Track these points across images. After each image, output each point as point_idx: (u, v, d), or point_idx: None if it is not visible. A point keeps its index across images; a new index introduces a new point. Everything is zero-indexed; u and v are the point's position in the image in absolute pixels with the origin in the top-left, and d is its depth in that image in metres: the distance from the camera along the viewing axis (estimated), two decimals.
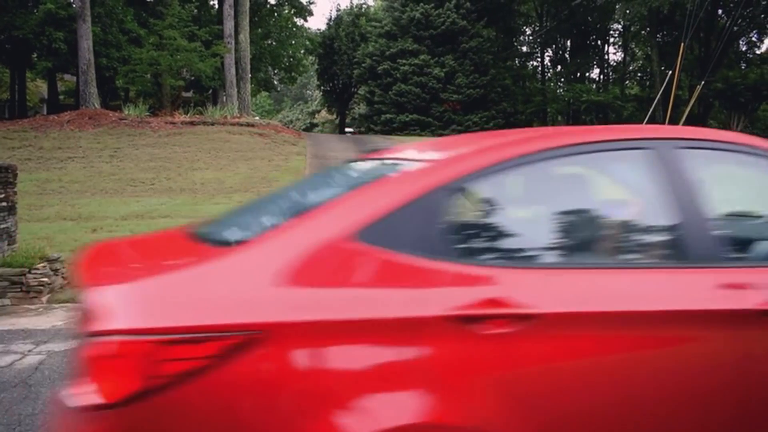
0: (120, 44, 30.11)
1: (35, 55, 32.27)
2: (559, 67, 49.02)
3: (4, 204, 7.89)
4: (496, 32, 40.90)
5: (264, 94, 62.69)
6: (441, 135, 34.39)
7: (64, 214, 13.09)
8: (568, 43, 47.32)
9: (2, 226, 7.85)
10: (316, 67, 53.64)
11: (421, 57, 38.54)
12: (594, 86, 44.75)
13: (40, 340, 6.00)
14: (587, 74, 47.87)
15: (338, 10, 53.87)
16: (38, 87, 50.83)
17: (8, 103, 43.33)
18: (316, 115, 67.84)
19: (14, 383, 4.91)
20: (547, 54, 49.71)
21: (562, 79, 48.09)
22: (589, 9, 42.61)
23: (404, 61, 38.80)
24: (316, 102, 69.20)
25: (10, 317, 6.99)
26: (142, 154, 18.99)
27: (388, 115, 38.58)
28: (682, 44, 24.40)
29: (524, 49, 50.66)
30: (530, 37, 50.62)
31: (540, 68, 50.35)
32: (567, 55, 47.85)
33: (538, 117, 46.27)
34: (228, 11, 30.47)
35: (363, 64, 42.17)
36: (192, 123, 23.40)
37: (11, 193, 8.08)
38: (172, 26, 28.85)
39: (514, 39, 47.99)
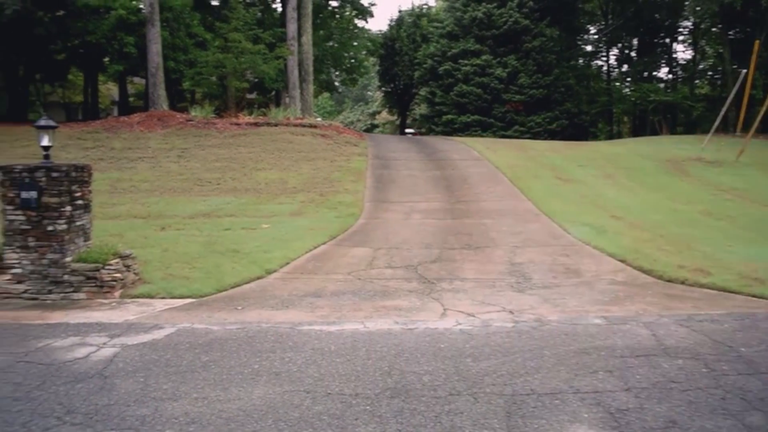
0: (187, 48, 30.83)
1: (107, 59, 33.35)
2: (626, 66, 47.76)
3: (80, 202, 8.14)
4: (560, 31, 40.08)
5: (325, 95, 63.31)
6: (503, 136, 33.96)
7: (134, 212, 13.45)
8: (635, 41, 46.05)
9: (78, 223, 8.09)
10: (377, 68, 53.83)
11: (483, 57, 38.16)
12: (662, 86, 43.39)
13: (114, 333, 6.15)
14: (655, 73, 46.47)
15: (400, 11, 53.79)
16: (109, 90, 52.55)
17: (82, 106, 44.93)
18: (377, 116, 68.03)
19: (91, 374, 5.03)
20: (612, 53, 48.53)
21: (629, 79, 46.82)
22: (657, 6, 41.36)
23: (466, 61, 38.48)
24: (376, 103, 69.40)
25: (85, 311, 7.20)
26: (208, 155, 19.37)
27: (449, 116, 38.31)
28: (757, 41, 23.40)
29: (589, 48, 49.54)
30: (595, 36, 49.50)
31: (605, 68, 49.20)
32: (633, 54, 46.59)
33: (604, 117, 45.21)
34: (291, 14, 30.85)
35: (424, 65, 42.04)
36: (256, 124, 23.76)
37: (86, 192, 8.33)
38: (237, 29, 29.37)
39: (578, 38, 46.98)
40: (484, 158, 20.87)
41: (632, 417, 4.23)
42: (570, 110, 38.66)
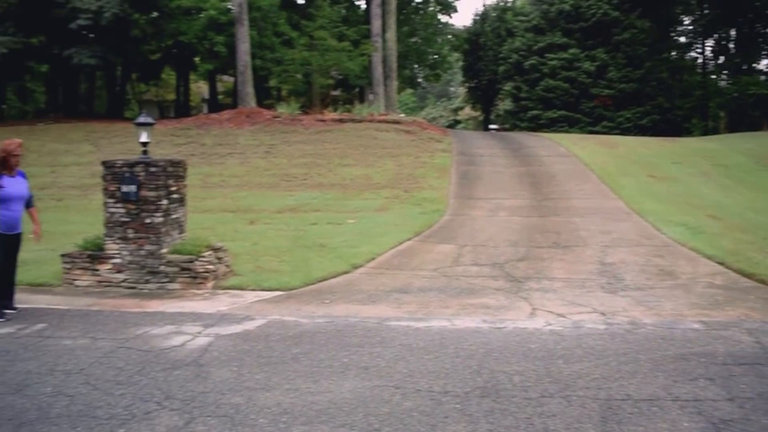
0: (274, 46, 31.52)
1: (198, 58, 34.58)
2: (722, 58, 45.51)
3: (176, 196, 8.43)
4: (651, 22, 38.59)
5: (408, 91, 63.36)
6: (591, 132, 33.03)
7: (224, 206, 13.86)
8: (733, 32, 43.78)
9: (174, 216, 8.39)
10: (460, 63, 53.41)
11: (571, 51, 37.21)
12: (763, 78, 41.08)
13: (208, 323, 6.33)
14: (755, 65, 44.09)
15: (484, 5, 53.21)
16: (200, 88, 54.41)
17: (174, 103, 46.74)
18: (460, 112, 67.54)
19: (187, 362, 5.20)
20: (708, 44, 46.36)
21: (726, 72, 44.64)
22: None
23: (552, 55, 37.63)
24: (459, 99, 68.95)
25: (180, 300, 7.46)
26: (295, 151, 19.74)
27: (534, 112, 37.58)
28: None
29: (682, 39, 47.52)
30: (689, 27, 47.41)
31: (700, 60, 47.04)
32: (731, 45, 44.35)
33: (698, 112, 43.23)
34: (376, 10, 30.99)
35: (509, 60, 41.38)
36: (341, 120, 24.04)
37: (182, 186, 8.62)
38: (323, 27, 29.79)
39: (671, 29, 45.12)
40: (572, 155, 20.38)
41: (736, 428, 4.01)
42: (662, 105, 37.15)
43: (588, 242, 10.57)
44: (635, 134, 32.52)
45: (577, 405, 4.31)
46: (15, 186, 6.81)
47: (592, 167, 18.14)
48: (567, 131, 33.34)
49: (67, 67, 30.55)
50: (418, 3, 43.90)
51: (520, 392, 4.52)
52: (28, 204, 7.07)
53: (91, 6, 26.93)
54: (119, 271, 8.21)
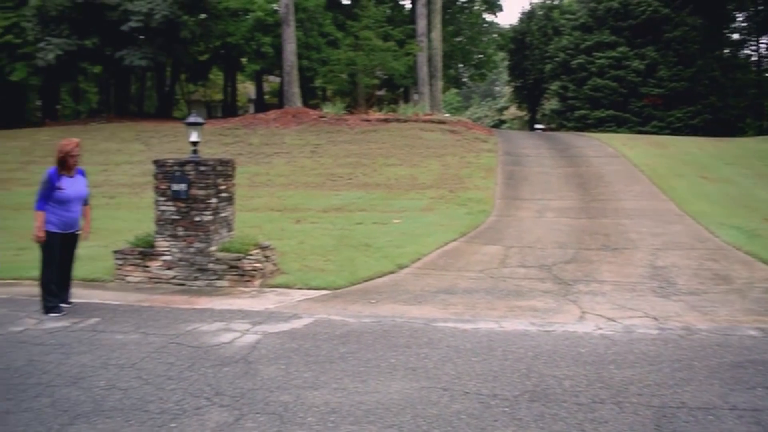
0: (319, 47, 31.75)
1: (245, 59, 35.04)
2: None
3: (225, 195, 8.54)
4: (703, 20, 37.61)
5: (453, 91, 63.12)
6: (639, 132, 32.37)
7: (271, 204, 13.99)
8: None
9: (223, 214, 8.50)
10: (506, 62, 52.99)
11: (619, 49, 36.53)
12: None
13: (256, 321, 6.39)
14: None
15: (530, 3, 52.63)
16: (246, 88, 55.14)
17: (221, 103, 47.45)
18: (505, 112, 67.00)
19: (236, 359, 5.25)
20: (762, 42, 44.99)
21: None
22: None
23: (600, 54, 37.00)
24: (504, 98, 68.42)
25: (228, 298, 7.55)
26: (340, 150, 19.82)
27: (581, 111, 37.00)
28: None
29: (735, 36, 46.22)
30: (743, 24, 46.06)
31: (755, 57, 45.66)
32: None
33: (752, 111, 41.96)
34: (421, 10, 30.91)
35: (556, 59, 40.85)
36: (386, 120, 24.05)
37: (230, 185, 8.73)
38: (368, 27, 29.83)
39: (723, 26, 43.93)
40: (621, 155, 20.00)
41: None
42: (714, 104, 36.19)
43: (638, 245, 10.35)
44: (686, 134, 31.74)
45: (630, 412, 4.21)
46: (74, 187, 6.88)
47: (642, 168, 17.78)
48: (615, 131, 32.72)
49: (119, 68, 31.30)
50: (464, 2, 43.69)
51: (570, 397, 4.44)
52: (84, 202, 7.13)
53: (142, 8, 27.52)
54: (169, 268, 8.36)
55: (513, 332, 5.99)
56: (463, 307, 7.00)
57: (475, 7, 44.68)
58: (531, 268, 8.98)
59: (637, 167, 17.98)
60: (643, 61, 35.99)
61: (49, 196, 6.71)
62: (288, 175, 17.24)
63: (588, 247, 10.27)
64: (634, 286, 7.99)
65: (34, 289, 8.24)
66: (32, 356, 5.39)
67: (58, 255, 6.89)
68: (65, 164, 6.80)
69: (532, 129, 47.50)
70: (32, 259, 9.98)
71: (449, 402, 4.34)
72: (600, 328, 6.14)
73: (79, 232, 7.09)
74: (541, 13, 50.45)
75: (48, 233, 6.73)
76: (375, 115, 25.47)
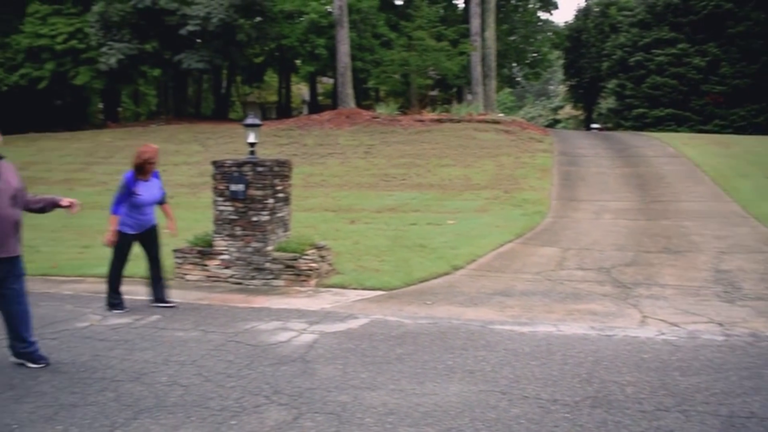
0: (373, 48, 31.85)
1: (299, 60, 35.44)
2: None
3: (282, 195, 8.63)
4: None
5: (506, 90, 62.52)
6: (701, 131, 31.44)
7: (325, 205, 14.09)
8: None
9: (279, 214, 8.59)
10: (561, 61, 52.21)
11: (679, 46, 35.56)
12: None
13: (312, 320, 6.44)
14: None
15: (586, 0, 51.66)
16: (300, 90, 55.78)
17: (276, 105, 48.09)
18: (559, 111, 66.03)
19: (293, 358, 5.30)
20: None
21: None
22: None
23: (659, 51, 36.10)
24: (559, 97, 67.41)
25: (284, 297, 7.62)
26: (394, 151, 19.84)
27: (640, 110, 36.17)
28: None
29: None
30: None
31: None
32: None
33: None
34: (474, 9, 30.71)
35: (613, 56, 40.05)
36: (439, 120, 23.97)
37: (287, 186, 8.82)
38: (421, 27, 29.79)
39: None
40: (682, 155, 19.46)
41: None
42: None
43: (701, 247, 10.04)
44: (750, 133, 30.68)
45: (697, 421, 4.07)
46: (149, 191, 6.96)
47: (704, 168, 17.26)
48: (675, 130, 31.87)
49: (177, 71, 32.04)
50: (518, 0, 43.20)
51: (633, 404, 4.33)
52: (161, 201, 7.23)
53: (199, 13, 28.12)
54: (227, 267, 8.49)
55: (572, 336, 5.88)
56: (520, 310, 6.91)
57: (530, 6, 44.14)
58: (589, 270, 8.81)
59: (699, 167, 17.47)
60: (705, 57, 34.97)
61: (125, 200, 6.81)
62: (342, 175, 17.35)
63: (648, 249, 10.01)
64: (697, 290, 7.75)
65: (98, 286, 8.49)
66: (97, 351, 5.54)
67: (128, 254, 7.05)
68: (143, 170, 6.88)
69: (588, 128, 46.66)
70: (95, 256, 10.30)
71: (508, 406, 4.28)
72: (663, 334, 5.97)
73: (155, 224, 7.19)
74: (597, 10, 49.53)
75: (122, 234, 6.86)
76: (428, 115, 25.39)
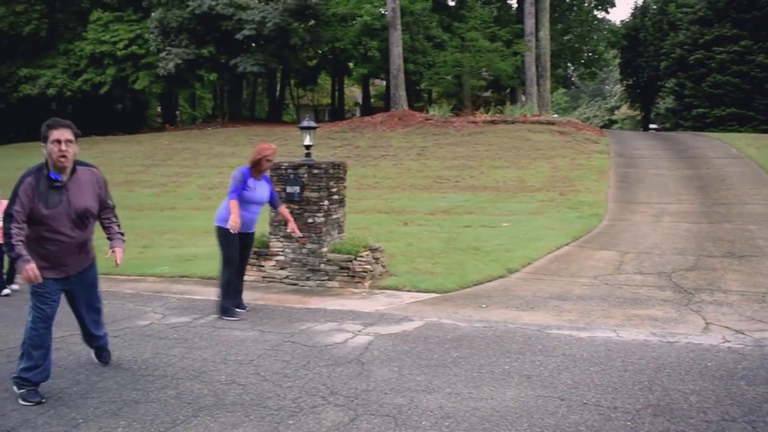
0: (426, 50, 31.82)
1: (352, 63, 35.68)
2: None
3: (336, 197, 8.69)
4: None
5: (560, 91, 61.63)
6: (765, 131, 30.36)
7: (378, 207, 14.13)
8: None
9: (334, 216, 8.65)
10: (617, 60, 51.15)
11: (742, 43, 34.38)
12: None
13: (367, 322, 6.45)
14: None
15: None
16: (352, 92, 56.16)
17: (329, 108, 48.49)
18: (616, 112, 64.72)
19: (349, 359, 5.32)
20: None
21: None
22: None
23: (721, 48, 34.97)
24: (615, 97, 66.06)
25: (339, 299, 7.67)
26: (447, 153, 19.77)
27: (700, 110, 35.11)
28: None
29: None
30: None
31: None
32: None
33: None
34: (529, 9, 30.39)
35: (672, 55, 39.00)
36: (493, 122, 23.79)
37: (342, 188, 8.88)
38: (474, 28, 29.64)
39: None
40: (745, 156, 18.84)
41: None
42: None
43: (767, 252, 9.69)
44: None
45: None
46: (259, 190, 6.88)
47: None
48: (738, 131, 30.83)
49: (233, 75, 32.62)
50: None
51: (697, 413, 4.19)
52: (276, 204, 7.24)
53: (255, 17, 28.61)
54: (282, 268, 8.59)
55: (632, 342, 5.74)
56: (578, 315, 6.78)
57: (585, 4, 43.42)
58: (648, 275, 8.60)
59: (764, 169, 16.87)
60: None
61: (239, 192, 6.72)
62: (395, 177, 17.37)
63: (711, 254, 9.71)
64: (763, 296, 7.48)
65: (158, 285, 8.73)
66: (158, 349, 5.67)
67: (237, 255, 6.92)
68: (258, 166, 6.82)
69: (646, 129, 45.60)
70: (155, 256, 10.58)
71: (567, 412, 4.21)
72: (727, 341, 5.78)
73: (253, 232, 7.16)
74: (655, 7, 48.32)
75: (226, 231, 6.68)
76: (482, 116, 25.23)
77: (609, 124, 60.55)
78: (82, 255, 4.75)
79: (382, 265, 8.79)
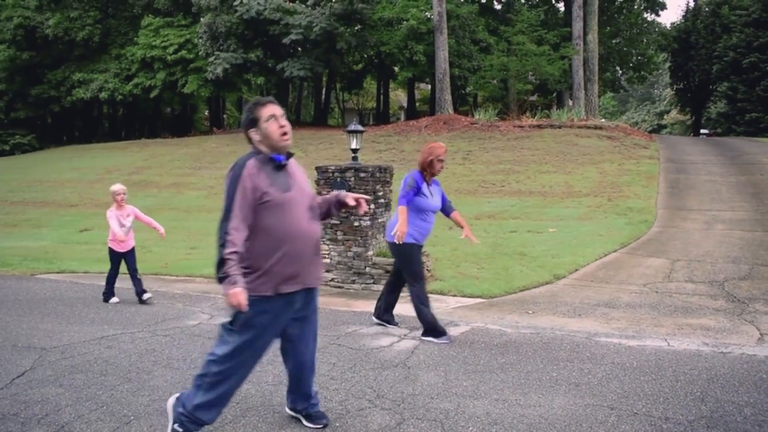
0: (471, 54, 31.70)
1: (397, 67, 35.77)
2: None
3: (383, 200, 8.73)
4: None
5: (608, 95, 60.71)
6: None
7: None
8: None
9: (380, 220, 8.69)
10: (668, 64, 50.16)
11: None
12: None
13: (413, 326, 6.45)
14: None
15: (696, 0, 49.40)
16: (397, 96, 56.23)
17: (374, 111, 48.68)
18: (665, 116, 63.39)
19: (395, 363, 5.33)
20: None
21: None
22: None
23: None
24: (665, 102, 64.72)
25: None
26: (492, 157, 19.64)
27: (753, 114, 34.21)
28: None
29: None
30: None
31: None
32: None
33: None
34: (577, 12, 30.04)
35: (725, 58, 38.11)
36: (539, 126, 23.55)
37: (387, 191, 8.91)
38: (521, 32, 29.41)
39: None
40: None
41: None
42: None
43: None
44: None
45: None
46: (434, 196, 6.16)
47: None
48: None
49: (279, 79, 33.03)
50: (622, 2, 41.86)
51: (752, 426, 4.08)
52: (450, 210, 6.40)
53: (302, 22, 28.90)
54: (328, 271, 8.66)
55: (683, 352, 5.62)
56: (627, 322, 6.67)
57: (635, 7, 42.69)
58: (700, 283, 8.40)
59: None
60: None
61: (411, 199, 5.97)
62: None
63: (765, 262, 9.44)
64: None
65: (206, 286, 8.88)
66: (206, 349, 5.74)
67: (421, 269, 6.22)
68: (430, 169, 6.06)
69: (697, 134, 44.57)
70: (203, 257, 10.77)
71: (617, 422, 4.14)
72: None
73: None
74: (707, 9, 47.26)
75: (407, 246, 5.99)
76: (528, 120, 25.00)
77: (658, 129, 59.36)
78: (316, 259, 3.79)
79: (428, 269, 8.77)
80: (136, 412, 4.32)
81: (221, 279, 3.41)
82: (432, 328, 5.98)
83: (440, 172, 6.15)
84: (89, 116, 45.49)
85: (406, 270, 6.12)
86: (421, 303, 6.01)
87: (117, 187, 7.99)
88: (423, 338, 6.00)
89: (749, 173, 17.37)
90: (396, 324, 6.54)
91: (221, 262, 3.41)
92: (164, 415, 4.25)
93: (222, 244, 3.43)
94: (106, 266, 8.24)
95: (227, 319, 3.66)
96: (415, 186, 5.94)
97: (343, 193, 3.98)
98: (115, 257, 7.99)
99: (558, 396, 4.58)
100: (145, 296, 7.87)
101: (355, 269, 8.50)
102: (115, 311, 7.42)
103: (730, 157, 20.18)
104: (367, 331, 6.34)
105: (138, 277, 7.97)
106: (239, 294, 3.36)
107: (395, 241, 5.91)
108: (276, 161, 3.64)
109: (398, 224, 5.89)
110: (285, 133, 3.64)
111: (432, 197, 6.09)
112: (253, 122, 3.64)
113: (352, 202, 3.90)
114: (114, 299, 8.01)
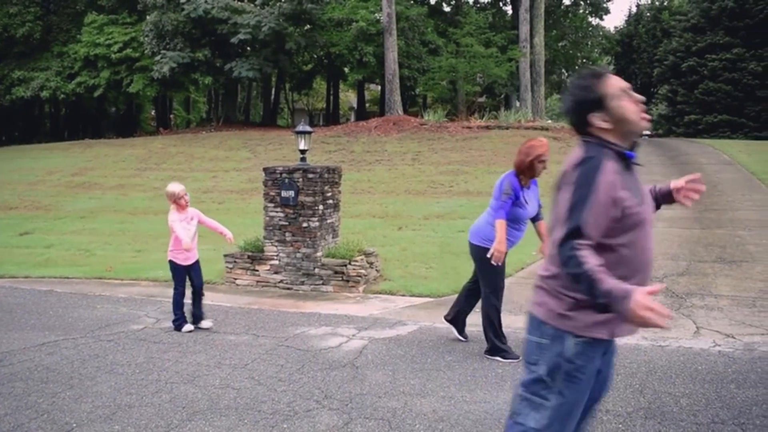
0: (420, 55, 31.92)
1: (347, 68, 35.77)
2: None
3: (331, 201, 8.73)
4: None
5: (555, 96, 61.88)
6: (756, 138, 30.54)
7: (373, 211, 14.16)
8: None
9: (329, 221, 8.69)
10: (611, 67, 51.39)
11: (734, 51, 34.59)
12: None
13: (361, 326, 6.49)
14: None
15: (638, 5, 50.84)
16: (348, 97, 56.24)
17: (323, 112, 48.58)
18: None
19: (343, 363, 5.35)
20: None
21: None
22: None
23: (713, 56, 35.19)
24: None
25: (333, 303, 7.70)
26: (441, 158, 19.82)
27: (692, 116, 35.31)
28: None
29: None
30: None
31: None
32: None
33: None
34: (524, 15, 30.54)
35: (665, 62, 39.23)
36: (487, 127, 23.85)
37: (336, 192, 8.92)
38: (470, 34, 29.72)
39: None
40: (736, 162, 18.96)
41: None
42: None
43: (757, 258, 9.75)
44: None
45: None
46: (532, 202, 5.48)
47: (761, 176, 16.76)
48: (729, 137, 31.03)
49: (228, 79, 32.64)
50: (568, 6, 42.76)
51: (688, 416, 4.24)
52: (539, 217, 5.65)
53: (250, 21, 28.62)
54: (276, 272, 8.63)
55: (624, 346, 5.79)
56: None
57: (580, 11, 43.66)
58: None
59: (755, 175, 16.98)
60: (761, 62, 33.93)
61: (509, 209, 5.31)
62: (389, 182, 17.41)
63: (702, 259, 9.78)
64: (754, 301, 7.54)
65: (151, 290, 8.74)
66: (151, 354, 5.69)
67: (503, 282, 5.71)
68: (530, 171, 5.23)
69: (640, 135, 45.75)
70: (149, 260, 10.59)
71: None
72: (717, 345, 5.83)
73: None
74: (649, 14, 48.67)
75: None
76: (476, 122, 25.30)
77: None
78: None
79: (377, 270, 8.82)
80: (78, 420, 4.24)
81: (603, 303, 2.27)
82: (496, 349, 5.42)
83: (540, 173, 5.25)
84: (30, 116, 44.14)
85: (485, 281, 5.57)
86: (489, 323, 5.46)
87: (177, 187, 6.49)
88: (487, 356, 5.44)
89: (687, 173, 17.84)
90: (465, 338, 5.96)
91: (590, 282, 2.27)
92: (108, 421, 4.18)
93: (575, 263, 2.32)
94: (48, 270, 8.03)
95: (534, 369, 2.64)
96: (512, 194, 5.21)
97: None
98: (180, 273, 6.59)
99: (503, 392, 4.67)
100: (204, 323, 6.59)
101: (304, 270, 8.48)
102: (57, 317, 7.24)
103: (669, 158, 20.81)
104: (315, 332, 6.34)
105: (202, 296, 6.72)
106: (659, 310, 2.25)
107: (493, 262, 5.29)
108: (628, 158, 2.57)
109: (496, 242, 5.20)
110: (644, 120, 2.60)
111: (529, 204, 5.38)
112: (598, 102, 2.51)
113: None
114: (187, 327, 6.53)
